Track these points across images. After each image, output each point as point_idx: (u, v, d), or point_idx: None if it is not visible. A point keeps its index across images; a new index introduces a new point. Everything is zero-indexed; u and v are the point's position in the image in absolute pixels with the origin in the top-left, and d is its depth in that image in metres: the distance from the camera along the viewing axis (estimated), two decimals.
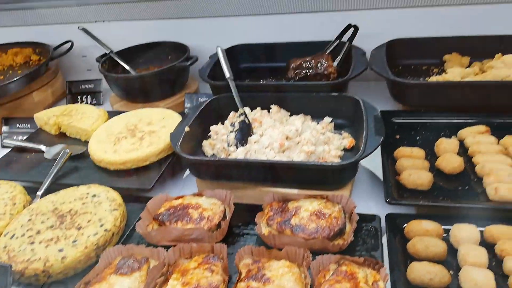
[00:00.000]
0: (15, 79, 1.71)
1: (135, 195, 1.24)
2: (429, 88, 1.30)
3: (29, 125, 1.70)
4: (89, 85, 1.98)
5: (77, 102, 1.97)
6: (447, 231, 0.93)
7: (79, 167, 1.36)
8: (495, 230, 0.89)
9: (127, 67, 1.83)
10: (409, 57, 1.59)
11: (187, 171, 1.35)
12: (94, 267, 0.92)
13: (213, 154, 1.30)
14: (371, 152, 1.03)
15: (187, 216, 1.02)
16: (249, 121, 1.28)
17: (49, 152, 1.43)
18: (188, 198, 1.10)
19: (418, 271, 0.82)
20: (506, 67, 1.33)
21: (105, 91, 1.93)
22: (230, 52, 1.73)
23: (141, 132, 1.36)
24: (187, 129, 1.25)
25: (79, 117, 1.53)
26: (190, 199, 1.09)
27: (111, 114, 1.62)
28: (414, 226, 0.92)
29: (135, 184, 1.22)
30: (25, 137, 1.64)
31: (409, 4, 1.59)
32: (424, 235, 0.90)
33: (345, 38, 1.62)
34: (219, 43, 1.73)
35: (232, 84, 1.39)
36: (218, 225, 1.01)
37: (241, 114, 1.29)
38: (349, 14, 1.67)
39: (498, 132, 1.19)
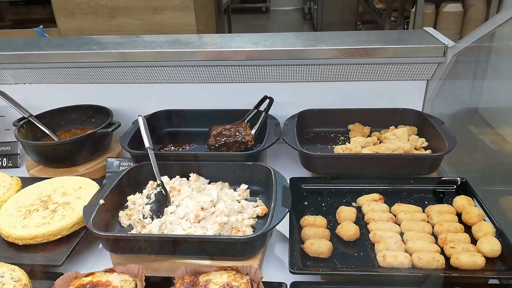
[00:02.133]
0: None
1: (46, 271, 1.20)
2: (331, 159, 1.45)
3: None
4: (5, 147, 1.91)
5: None
6: None
7: None
8: None
9: (47, 131, 1.80)
10: (319, 126, 1.76)
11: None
12: None
13: (130, 225, 1.31)
14: (276, 224, 1.11)
15: None
16: (166, 191, 1.32)
17: None
18: (98, 275, 1.09)
19: None
20: (397, 139, 1.52)
21: (23, 153, 1.87)
22: (153, 117, 1.80)
23: (54, 203, 1.34)
24: (101, 201, 1.25)
25: None
26: (101, 276, 1.08)
27: (27, 180, 1.57)
28: None
29: (44, 261, 1.19)
30: None
31: (320, 78, 1.77)
32: None
33: (262, 107, 1.75)
34: (143, 108, 1.80)
35: (151, 154, 1.43)
36: None
37: (158, 185, 1.33)
38: (266, 85, 1.82)
39: (391, 197, 1.35)
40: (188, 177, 1.45)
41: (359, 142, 1.59)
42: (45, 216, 1.28)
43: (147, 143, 1.48)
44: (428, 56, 1.67)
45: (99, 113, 1.89)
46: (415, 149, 1.52)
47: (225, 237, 1.14)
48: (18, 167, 1.88)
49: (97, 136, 1.69)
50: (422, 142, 1.56)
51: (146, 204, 1.28)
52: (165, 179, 1.41)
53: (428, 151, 1.51)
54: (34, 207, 1.33)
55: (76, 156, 1.68)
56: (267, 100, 1.75)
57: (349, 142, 1.62)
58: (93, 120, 1.94)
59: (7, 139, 2.00)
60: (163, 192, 1.32)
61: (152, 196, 1.30)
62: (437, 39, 1.72)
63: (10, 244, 1.26)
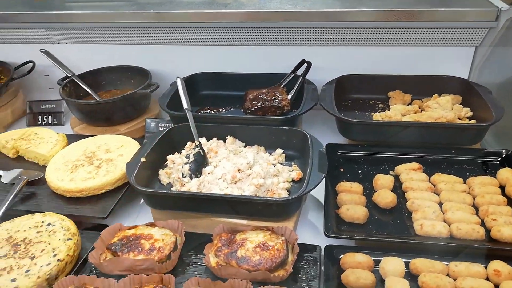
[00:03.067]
0: None
1: (91, 222, 1.27)
2: (370, 126, 1.42)
3: None
4: (50, 105, 1.99)
5: (38, 121, 1.98)
6: (378, 262, 1.02)
7: (36, 193, 1.37)
8: (419, 263, 0.99)
9: (89, 91, 1.86)
10: (358, 92, 1.72)
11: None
12: None
13: (169, 183, 1.36)
14: (312, 189, 1.12)
15: (139, 246, 1.07)
16: (204, 152, 1.35)
17: (6, 176, 1.44)
18: (141, 228, 1.15)
19: None
20: (440, 107, 1.47)
21: (67, 111, 1.95)
22: (191, 80, 1.81)
23: (98, 160, 1.40)
24: (143, 159, 1.30)
25: (38, 142, 1.54)
26: (143, 229, 1.14)
27: (71, 137, 1.65)
28: (348, 259, 1.01)
29: (91, 212, 1.26)
30: None
31: (360, 43, 1.71)
32: (356, 267, 0.99)
33: (299, 71, 1.73)
34: (181, 70, 1.81)
35: (189, 115, 1.45)
36: (169, 256, 1.07)
37: (196, 146, 1.36)
38: (304, 50, 1.78)
39: (431, 167, 1.32)
40: (224, 140, 1.47)
41: (399, 110, 1.54)
42: (90, 171, 1.35)
43: (185, 105, 1.50)
44: (478, 20, 1.57)
45: (138, 74, 1.91)
46: (459, 118, 1.47)
47: (262, 198, 1.16)
48: (63, 125, 1.96)
49: (137, 97, 1.73)
50: (467, 111, 1.50)
51: (185, 163, 1.32)
52: (202, 140, 1.44)
53: (473, 121, 1.45)
54: (80, 162, 1.39)
55: (117, 116, 1.74)
56: (305, 65, 1.72)
57: (388, 110, 1.58)
58: (132, 81, 1.97)
59: (51, 98, 2.09)
60: (201, 152, 1.35)
61: (191, 156, 1.33)
62: (489, 2, 1.61)
63: (59, 196, 1.33)
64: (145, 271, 1.04)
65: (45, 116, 1.99)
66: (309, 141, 1.33)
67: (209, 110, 1.75)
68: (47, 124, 1.97)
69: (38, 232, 1.14)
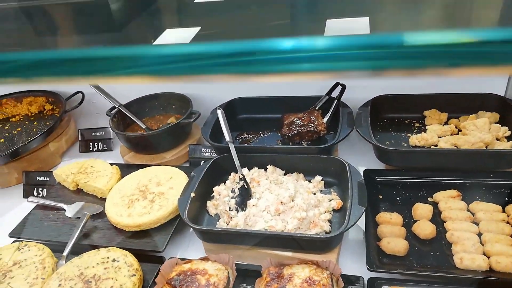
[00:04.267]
0: (36, 136, 1.87)
1: (150, 254, 1.39)
2: (406, 153, 1.46)
3: (47, 178, 1.87)
4: (99, 132, 2.14)
5: (90, 148, 2.14)
6: None
7: (97, 226, 1.52)
8: None
9: (135, 119, 1.98)
10: (393, 112, 1.75)
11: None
12: None
13: (217, 214, 1.46)
14: (354, 224, 1.19)
15: (196, 281, 1.18)
16: (247, 185, 1.44)
17: (69, 210, 1.59)
18: (195, 263, 1.26)
19: None
20: (477, 130, 1.49)
21: (115, 137, 2.09)
22: (229, 105, 1.90)
23: (151, 193, 1.52)
24: (192, 195, 1.40)
25: (95, 176, 1.68)
26: (198, 264, 1.25)
27: (123, 167, 1.78)
28: None
29: (149, 247, 1.38)
30: (45, 192, 1.81)
31: None
32: None
33: (334, 93, 1.78)
34: (219, 95, 1.90)
35: (232, 148, 1.54)
36: None
37: (240, 180, 1.45)
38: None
39: (469, 192, 1.35)
40: (265, 168, 1.55)
41: (435, 131, 1.57)
42: (145, 206, 1.47)
43: (227, 137, 1.58)
44: None
45: (179, 100, 2.03)
46: (497, 139, 1.48)
47: (306, 236, 1.23)
48: (112, 150, 2.11)
49: (181, 126, 1.84)
50: (505, 131, 1.50)
51: (232, 198, 1.41)
52: (244, 170, 1.53)
53: None
54: (135, 197, 1.52)
55: (162, 144, 1.86)
56: (339, 87, 1.76)
57: (424, 131, 1.60)
58: (173, 106, 2.09)
59: (98, 123, 2.25)
60: (245, 185, 1.44)
61: (236, 190, 1.42)
62: None
63: (118, 230, 1.47)
64: None
65: (95, 143, 2.14)
66: (347, 171, 1.39)
67: (247, 135, 1.84)
68: (98, 151, 2.13)
69: (105, 269, 1.28)
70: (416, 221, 1.28)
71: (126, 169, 1.76)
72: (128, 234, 1.45)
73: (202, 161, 1.78)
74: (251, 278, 1.23)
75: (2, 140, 2.02)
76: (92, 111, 2.36)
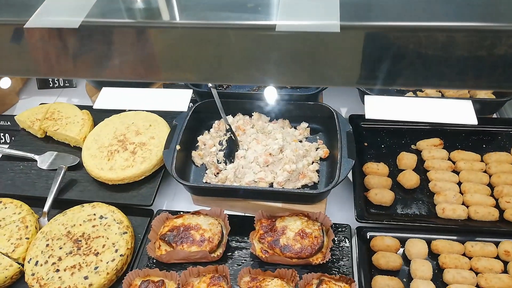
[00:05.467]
0: None
1: (136, 208, 1.37)
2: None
3: (8, 123, 1.72)
4: None
5: (49, 84, 1.96)
6: (404, 240, 1.17)
7: (75, 179, 1.45)
8: (440, 244, 1.14)
9: None
10: None
11: None
12: None
13: (203, 164, 1.43)
14: (344, 178, 1.21)
15: (190, 237, 1.20)
16: (235, 136, 1.40)
17: (43, 162, 1.50)
18: (187, 217, 1.26)
19: (379, 284, 1.07)
20: None
21: None
22: None
23: (131, 144, 1.45)
24: (178, 147, 1.35)
25: (64, 123, 1.56)
26: (190, 218, 1.25)
27: (93, 111, 1.65)
28: (378, 242, 1.15)
29: (136, 201, 1.35)
30: (8, 138, 1.68)
31: None
32: (385, 249, 1.14)
33: None
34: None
35: (215, 94, 1.46)
36: (218, 245, 1.20)
37: (227, 131, 1.40)
38: None
39: (451, 139, 1.40)
40: (250, 115, 1.51)
41: None
42: (127, 158, 1.41)
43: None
44: None
45: None
46: None
47: (299, 191, 1.25)
48: (75, 87, 1.95)
49: None
50: None
51: (220, 150, 1.38)
52: (229, 118, 1.48)
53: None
54: (114, 148, 1.44)
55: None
56: None
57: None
58: None
59: None
60: (233, 137, 1.40)
61: (224, 143, 1.38)
62: None
63: (99, 182, 1.41)
64: (199, 259, 1.18)
65: (55, 78, 1.96)
66: (335, 119, 1.38)
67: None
68: (59, 87, 1.96)
69: (93, 226, 1.25)
70: (401, 170, 1.32)
71: (97, 114, 1.64)
72: (111, 188, 1.40)
73: None
74: (243, 229, 1.25)
75: None
76: None
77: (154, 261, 1.22)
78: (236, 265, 1.20)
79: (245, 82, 0.63)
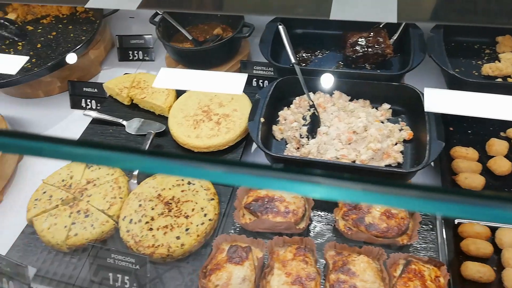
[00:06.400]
0: (81, 45, 1.77)
1: None
2: (483, 86, 1.41)
3: (95, 90, 1.81)
4: (139, 40, 2.02)
5: (129, 56, 2.04)
6: (494, 229, 1.15)
7: (161, 145, 1.52)
8: None
9: (181, 29, 1.86)
10: (463, 35, 1.64)
11: (253, 147, 1.54)
12: (210, 254, 1.16)
13: (282, 138, 1.46)
14: (434, 159, 1.20)
15: (275, 208, 1.23)
16: (317, 112, 1.41)
17: (130, 126, 1.58)
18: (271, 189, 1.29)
19: (470, 270, 1.06)
20: None
21: (156, 47, 1.99)
22: (283, 18, 1.76)
23: (215, 115, 1.49)
24: (262, 119, 1.38)
25: (151, 92, 1.63)
26: (274, 190, 1.29)
27: None
28: (467, 228, 1.14)
29: None
30: (94, 104, 1.77)
31: None
32: (475, 236, 1.12)
33: None
34: (269, 3, 1.75)
35: (298, 71, 1.48)
36: (302, 218, 1.23)
37: (311, 106, 1.42)
38: None
39: None
40: (331, 94, 1.51)
41: (509, 60, 1.50)
42: (212, 127, 1.46)
43: (292, 59, 1.51)
44: None
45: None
46: None
47: (387, 169, 1.25)
48: (153, 60, 2.01)
49: (234, 39, 1.73)
50: None
51: (303, 125, 1.40)
52: (311, 95, 1.49)
53: None
54: (199, 118, 1.50)
55: (215, 59, 1.77)
56: None
57: (495, 58, 1.53)
58: (218, 15, 1.94)
59: (132, 29, 2.12)
60: (316, 113, 1.41)
61: (307, 118, 1.40)
62: None
63: (185, 150, 1.47)
64: (283, 230, 1.22)
65: (135, 52, 2.03)
66: (421, 101, 1.35)
67: (304, 54, 1.75)
68: (138, 60, 2.03)
69: (182, 191, 1.31)
70: (490, 156, 1.29)
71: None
72: (194, 155, 1.46)
73: (254, 79, 1.73)
74: (325, 205, 1.27)
75: (39, 45, 1.91)
76: (125, 13, 2.20)
77: (238, 229, 1.27)
78: (319, 239, 1.22)
79: None
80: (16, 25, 1.96)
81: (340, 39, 1.69)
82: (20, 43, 1.93)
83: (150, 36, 1.98)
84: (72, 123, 1.78)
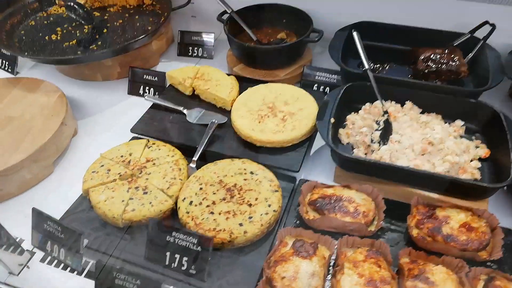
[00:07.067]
0: (148, 33, 1.78)
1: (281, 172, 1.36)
2: None
3: (155, 78, 1.81)
4: (200, 38, 2.03)
5: (188, 52, 2.05)
6: None
7: (221, 136, 1.48)
8: None
9: (246, 29, 1.86)
10: None
11: (313, 150, 1.49)
12: (274, 246, 1.10)
13: (348, 143, 1.41)
14: None
15: (343, 208, 1.17)
16: (390, 120, 1.37)
17: (191, 115, 1.56)
18: (338, 189, 1.23)
19: None
20: None
21: (216, 45, 2.00)
22: (354, 28, 1.75)
23: (281, 112, 1.46)
24: (332, 120, 1.34)
25: (214, 84, 1.62)
26: (341, 191, 1.22)
27: (237, 79, 1.70)
28: None
29: (283, 165, 1.35)
30: (152, 91, 1.77)
31: None
32: None
33: (478, 33, 1.61)
34: (338, 15, 1.75)
35: (371, 77, 1.45)
36: (371, 221, 1.16)
37: (385, 113, 1.37)
38: (485, 8, 1.64)
39: None
40: (402, 104, 1.47)
41: None
42: (277, 123, 1.42)
43: (366, 65, 1.48)
44: None
45: (292, 14, 1.88)
46: None
47: (471, 181, 1.18)
48: (212, 58, 2.02)
49: (303, 43, 1.72)
50: None
51: (376, 130, 1.35)
52: (380, 103, 1.44)
53: None
54: (264, 113, 1.46)
55: (279, 61, 1.76)
56: (486, 27, 1.60)
57: None
58: (284, 21, 1.95)
59: (190, 27, 2.13)
60: (389, 120, 1.36)
61: (381, 123, 1.35)
62: None
63: (247, 143, 1.43)
64: (352, 231, 1.15)
65: (195, 48, 2.05)
66: (503, 122, 1.30)
67: (373, 65, 1.72)
68: (197, 56, 2.04)
69: (245, 180, 1.26)
70: None
71: (240, 82, 1.68)
72: (256, 149, 1.42)
73: (315, 85, 1.70)
74: (394, 213, 1.20)
75: (105, 30, 1.93)
76: (188, 12, 2.23)
77: (298, 224, 1.21)
78: (389, 245, 1.15)
79: None
80: (85, 9, 2.00)
81: (408, 55, 1.67)
82: (86, 27, 1.96)
83: (213, 34, 1.99)
84: (128, 107, 1.77)
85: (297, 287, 0.99)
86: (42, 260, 1.20)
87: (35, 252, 1.21)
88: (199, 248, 1.06)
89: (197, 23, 2.24)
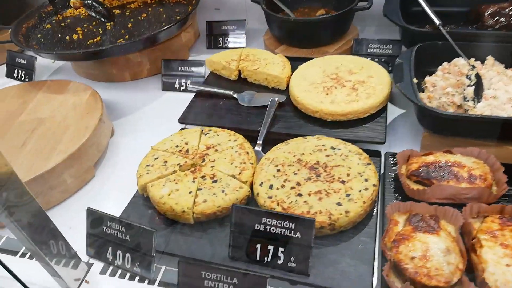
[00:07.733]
0: (176, 22, 1.62)
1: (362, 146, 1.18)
2: None
3: (192, 69, 1.64)
4: (231, 26, 1.88)
5: (218, 43, 1.90)
6: None
7: (280, 115, 1.31)
8: None
9: (285, 9, 1.71)
10: None
11: (393, 117, 1.32)
12: (387, 226, 0.91)
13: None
14: None
15: (455, 173, 0.98)
16: (480, 75, 1.20)
17: (243, 99, 1.38)
18: (439, 155, 1.05)
19: None
20: None
21: (247, 32, 1.85)
22: None
23: (348, 81, 1.29)
24: (415, 80, 1.18)
25: (264, 63, 1.45)
26: (444, 156, 1.04)
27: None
28: None
29: (364, 137, 1.18)
30: (189, 84, 1.59)
31: None
32: None
33: None
34: None
35: (445, 32, 1.29)
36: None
37: (473, 67, 1.20)
38: None
39: None
40: (482, 61, 1.30)
41: None
42: (349, 93, 1.25)
43: (437, 21, 1.33)
44: None
45: None
46: None
47: None
48: (245, 47, 1.86)
49: (352, 12, 1.57)
50: None
51: (468, 85, 1.17)
52: (460, 60, 1.28)
53: None
54: (329, 84, 1.30)
55: (325, 35, 1.61)
56: None
57: None
58: None
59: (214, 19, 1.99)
60: (479, 74, 1.19)
61: (473, 77, 1.18)
62: None
63: (312, 118, 1.26)
64: (469, 200, 0.96)
65: (226, 38, 1.89)
66: None
67: (429, 29, 1.56)
68: (226, 48, 1.88)
69: (327, 156, 1.08)
70: None
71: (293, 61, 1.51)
72: (326, 124, 1.24)
73: (369, 58, 1.53)
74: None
75: (130, 25, 1.78)
76: (211, 5, 2.09)
77: (400, 199, 1.02)
78: None
79: None
80: (105, 6, 1.85)
81: (467, 16, 1.52)
82: (108, 24, 1.80)
83: (244, 20, 1.84)
84: (166, 103, 1.61)
85: (433, 267, 0.80)
86: (103, 272, 1.00)
87: (92, 263, 1.02)
88: (298, 235, 0.87)
89: (221, 16, 2.09)
